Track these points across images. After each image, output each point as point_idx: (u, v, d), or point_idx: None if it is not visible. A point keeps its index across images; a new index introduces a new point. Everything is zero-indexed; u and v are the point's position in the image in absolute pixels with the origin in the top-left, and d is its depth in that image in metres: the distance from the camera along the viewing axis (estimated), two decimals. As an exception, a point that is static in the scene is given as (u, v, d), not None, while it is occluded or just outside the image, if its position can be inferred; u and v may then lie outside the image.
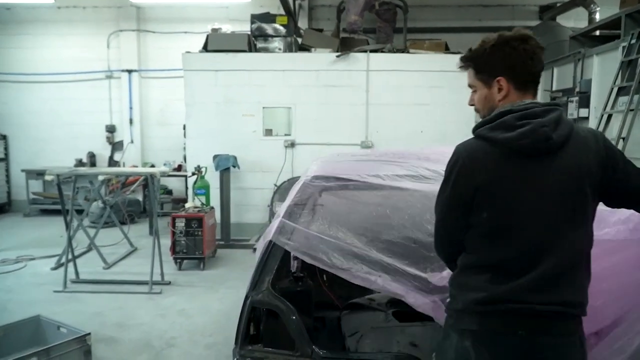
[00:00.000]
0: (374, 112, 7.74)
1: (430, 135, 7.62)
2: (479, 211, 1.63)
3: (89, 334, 3.76)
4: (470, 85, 1.80)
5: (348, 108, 7.72)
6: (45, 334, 4.01)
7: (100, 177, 6.08)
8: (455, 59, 1.88)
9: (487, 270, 1.63)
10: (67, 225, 5.72)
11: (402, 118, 7.70)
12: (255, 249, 3.36)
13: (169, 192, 9.76)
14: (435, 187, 2.49)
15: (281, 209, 2.76)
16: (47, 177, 5.52)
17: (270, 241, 2.36)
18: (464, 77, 1.84)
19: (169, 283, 5.66)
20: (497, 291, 1.60)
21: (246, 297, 2.28)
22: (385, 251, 2.26)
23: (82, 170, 6.82)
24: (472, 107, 1.82)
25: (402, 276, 2.14)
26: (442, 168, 2.65)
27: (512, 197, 1.60)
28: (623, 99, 5.79)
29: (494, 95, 1.71)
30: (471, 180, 1.63)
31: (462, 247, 1.71)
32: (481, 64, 1.73)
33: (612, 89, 5.96)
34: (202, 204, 6.79)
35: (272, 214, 7.53)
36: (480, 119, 1.75)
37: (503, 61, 1.67)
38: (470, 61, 1.76)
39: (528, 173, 1.60)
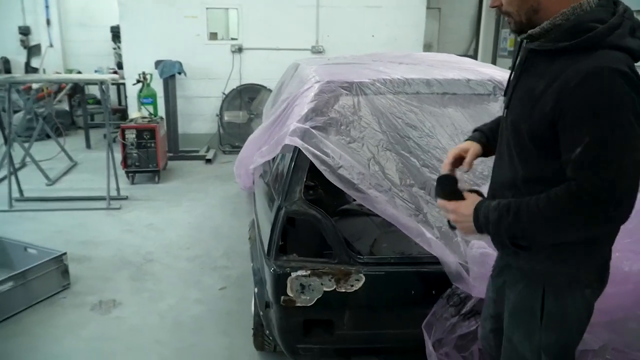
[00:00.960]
0: (324, 15, 7.45)
1: (382, 39, 7.50)
2: None
3: (65, 253, 3.57)
4: None
5: (298, 10, 7.37)
6: (10, 256, 3.76)
7: (36, 85, 5.52)
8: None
9: None
10: (6, 139, 5.23)
11: (354, 21, 7.48)
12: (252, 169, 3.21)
13: (99, 101, 9.08)
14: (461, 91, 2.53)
15: (290, 116, 2.62)
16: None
17: (296, 149, 2.25)
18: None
19: (126, 198, 5.43)
20: None
21: (279, 208, 2.20)
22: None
23: (21, 77, 6.13)
24: (491, 10, 1.54)
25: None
26: (452, 75, 2.66)
27: None
28: None
29: None
30: None
31: None
32: None
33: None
34: (150, 113, 6.41)
35: (221, 124, 7.29)
36: (513, 24, 1.40)
37: None
38: None
39: None
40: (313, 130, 2.32)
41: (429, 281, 2.20)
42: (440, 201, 1.54)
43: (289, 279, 2.12)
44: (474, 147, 1.67)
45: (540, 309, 1.46)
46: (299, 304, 2.15)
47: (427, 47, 8.29)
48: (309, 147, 2.24)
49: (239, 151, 7.04)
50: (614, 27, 1.25)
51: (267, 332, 2.47)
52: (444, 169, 1.65)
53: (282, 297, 2.14)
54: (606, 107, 1.20)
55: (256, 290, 2.48)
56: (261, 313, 2.44)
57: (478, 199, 1.48)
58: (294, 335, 2.25)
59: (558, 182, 1.29)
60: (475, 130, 1.76)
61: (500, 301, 1.65)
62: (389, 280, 2.19)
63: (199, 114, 7.50)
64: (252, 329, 2.68)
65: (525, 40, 1.42)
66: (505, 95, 1.55)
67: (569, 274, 1.44)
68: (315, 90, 2.53)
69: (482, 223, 1.42)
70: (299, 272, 2.12)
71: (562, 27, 1.29)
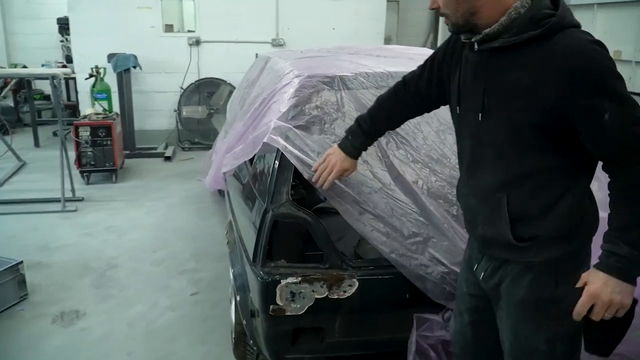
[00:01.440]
0: (284, 7, 7.29)
1: (342, 32, 7.40)
2: None
3: (21, 262, 3.32)
4: None
5: (257, 2, 7.17)
6: (-41, 266, 3.45)
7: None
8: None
9: None
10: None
11: (314, 14, 7.36)
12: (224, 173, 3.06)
13: (46, 97, 8.62)
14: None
15: (267, 114, 2.49)
16: None
17: (278, 150, 2.12)
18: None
19: (83, 199, 5.13)
20: None
21: (265, 211, 2.07)
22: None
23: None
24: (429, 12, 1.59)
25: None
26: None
27: None
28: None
29: None
30: None
31: None
32: None
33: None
34: (105, 109, 6.10)
35: (179, 120, 7.03)
36: (450, 25, 1.42)
37: None
38: None
39: None
40: (296, 130, 2.19)
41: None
42: (577, 309, 1.38)
43: (279, 286, 2.00)
44: (352, 167, 1.96)
45: (551, 298, 1.44)
46: (288, 313, 2.04)
47: (387, 40, 8.26)
48: (291, 148, 2.11)
49: (199, 148, 6.93)
50: (565, 8, 1.32)
51: (251, 341, 2.33)
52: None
53: (271, 307, 2.02)
54: (611, 74, 1.27)
55: (238, 298, 2.34)
56: (244, 322, 2.32)
57: (591, 273, 1.38)
58: (282, 345, 2.14)
59: (566, 169, 1.36)
60: (349, 135, 1.92)
61: (494, 300, 1.60)
62: (383, 284, 2.11)
63: (156, 109, 7.22)
64: (233, 338, 2.55)
65: (474, 43, 1.41)
66: (459, 103, 1.53)
67: (574, 256, 1.46)
68: (295, 85, 2.39)
69: (626, 270, 1.33)
70: (289, 280, 2.01)
71: (521, 19, 1.31)
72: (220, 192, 4.79)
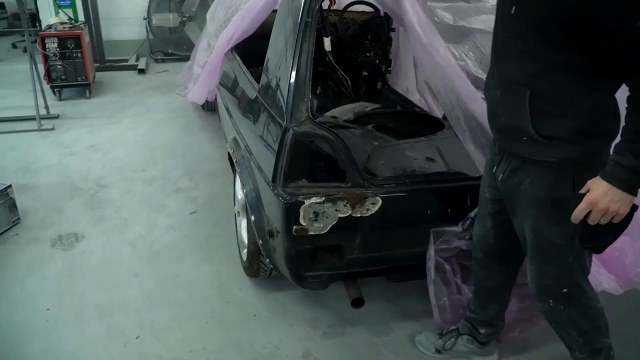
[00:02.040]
0: None
1: None
2: None
3: (10, 185, 3.16)
4: None
5: None
6: (-59, 191, 3.27)
7: None
8: None
9: None
10: None
11: None
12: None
13: (2, 5, 7.95)
14: None
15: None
16: None
17: (294, 59, 2.00)
18: None
19: (58, 116, 4.88)
20: None
21: (285, 130, 1.97)
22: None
23: None
24: None
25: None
26: None
27: None
28: None
29: None
30: None
31: None
32: None
33: None
34: (71, 18, 5.65)
35: (150, 29, 6.61)
36: None
37: None
38: None
39: None
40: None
41: (446, 198, 2.13)
42: (575, 214, 1.45)
43: (302, 207, 1.95)
44: None
45: (569, 198, 1.48)
46: (311, 233, 2.00)
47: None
48: None
49: (173, 59, 6.59)
50: None
51: (267, 260, 2.31)
52: None
53: (294, 227, 1.98)
54: None
55: (253, 218, 2.29)
56: (260, 242, 2.27)
57: (595, 181, 1.42)
58: (303, 263, 2.12)
59: (589, 69, 1.39)
60: None
61: (510, 200, 1.68)
62: (405, 201, 2.08)
63: (123, 17, 6.74)
64: (246, 257, 2.52)
65: None
66: None
67: (591, 159, 1.50)
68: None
69: (629, 180, 1.37)
70: (313, 200, 1.95)
71: None
72: (204, 107, 4.64)
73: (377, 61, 3.85)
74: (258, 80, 2.50)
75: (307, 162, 2.07)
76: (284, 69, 2.10)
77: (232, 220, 2.97)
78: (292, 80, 2.00)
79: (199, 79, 3.84)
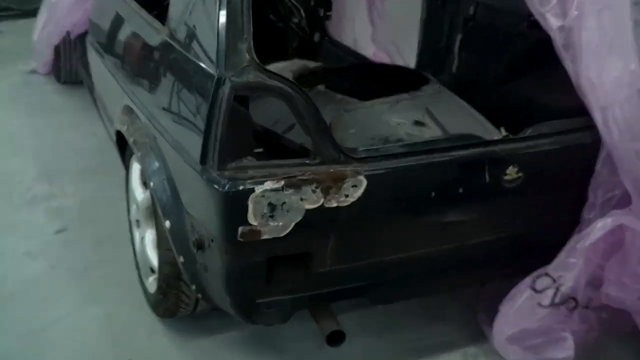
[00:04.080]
0: None
1: None
2: None
3: None
4: None
5: None
6: None
7: None
8: None
9: None
10: None
11: None
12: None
13: None
14: None
15: None
16: None
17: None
18: None
19: None
20: None
21: (218, 82, 1.76)
22: None
23: None
24: None
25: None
26: None
27: None
28: None
29: None
30: None
31: None
32: None
33: None
34: None
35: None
36: None
37: None
38: None
39: None
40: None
41: (455, 173, 2.03)
42: None
43: (252, 197, 1.75)
44: None
45: None
46: (266, 236, 1.82)
47: None
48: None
49: (10, 17, 6.21)
50: None
51: (193, 287, 2.12)
52: None
53: (240, 229, 1.78)
54: None
55: (168, 224, 2.08)
56: (181, 260, 2.09)
57: None
58: (252, 285, 1.95)
59: None
60: None
61: None
62: (400, 181, 1.96)
63: None
64: (158, 288, 2.35)
65: None
66: None
67: None
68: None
69: None
70: (267, 185, 1.77)
71: None
72: (59, 78, 4.60)
73: (312, 3, 3.82)
74: (162, 20, 2.32)
75: (252, 130, 1.90)
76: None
77: (124, 235, 2.80)
78: (224, 6, 1.82)
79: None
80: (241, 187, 1.75)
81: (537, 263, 2.23)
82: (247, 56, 1.79)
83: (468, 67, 3.21)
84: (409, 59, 3.52)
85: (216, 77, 1.78)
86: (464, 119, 2.37)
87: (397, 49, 3.56)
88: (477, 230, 2.15)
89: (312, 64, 3.29)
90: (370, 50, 3.66)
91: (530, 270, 2.23)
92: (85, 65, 3.70)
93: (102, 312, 2.56)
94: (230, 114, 1.77)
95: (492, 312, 2.30)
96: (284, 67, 3.19)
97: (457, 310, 2.55)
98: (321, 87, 2.73)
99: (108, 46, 3.04)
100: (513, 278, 2.27)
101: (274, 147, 2.09)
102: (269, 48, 3.35)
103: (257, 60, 1.80)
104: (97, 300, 2.63)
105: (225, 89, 1.76)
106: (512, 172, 2.04)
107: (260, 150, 2.16)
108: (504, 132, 2.17)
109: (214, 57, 1.83)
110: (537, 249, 2.27)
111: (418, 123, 2.36)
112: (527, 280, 2.20)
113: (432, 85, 2.63)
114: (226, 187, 1.75)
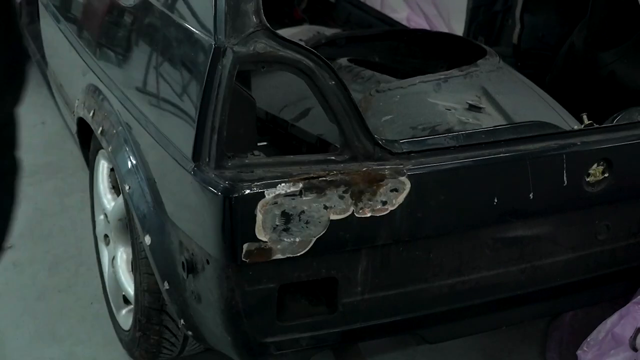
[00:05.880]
0: None
1: None
2: None
3: None
4: None
5: None
6: None
7: None
8: None
9: None
10: None
11: None
12: None
13: None
14: None
15: None
16: None
17: None
18: None
19: None
20: None
21: (217, 52, 1.77)
22: None
23: None
24: None
25: None
26: None
27: None
28: None
29: None
30: None
31: None
32: None
33: None
34: None
35: None
36: None
37: None
38: None
39: None
40: None
41: (523, 173, 2.02)
42: None
43: (261, 204, 1.76)
44: None
45: None
46: (277, 255, 1.83)
47: None
48: None
49: None
50: None
51: (182, 322, 2.16)
52: None
53: (245, 246, 1.79)
54: None
55: (148, 240, 2.11)
56: (165, 287, 2.12)
57: None
58: (260, 320, 1.96)
59: None
60: None
61: None
62: (452, 183, 1.97)
63: None
64: (134, 324, 2.39)
65: None
66: None
67: None
68: None
69: None
70: (280, 189, 1.76)
71: None
72: None
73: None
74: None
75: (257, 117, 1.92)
76: None
77: (89, 255, 2.86)
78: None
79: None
80: (247, 191, 1.75)
81: (627, 289, 2.24)
82: (255, 19, 1.79)
83: (534, 36, 3.22)
84: (454, 25, 3.53)
85: (214, 47, 1.79)
86: (531, 103, 2.38)
87: (438, 12, 3.55)
88: (551, 247, 2.15)
89: (327, 31, 3.35)
90: (403, 13, 3.66)
91: (615, 296, 2.22)
92: (35, 34, 3.71)
93: (61, 353, 2.62)
94: (233, 95, 1.78)
95: (566, 353, 2.31)
96: (292, 36, 3.22)
97: (525, 349, 2.57)
98: (343, 61, 2.76)
99: (67, 8, 3.06)
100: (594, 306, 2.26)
101: (282, 139, 2.14)
102: (268, 9, 3.45)
103: (268, 24, 1.80)
104: (56, 338, 2.68)
105: (226, 62, 1.76)
106: (596, 172, 2.05)
107: (264, 143, 2.22)
108: (586, 120, 2.16)
109: (210, 21, 1.84)
110: (626, 272, 2.29)
111: (473, 107, 2.37)
112: (621, 326, 2.14)
113: (490, 58, 2.64)
114: (227, 191, 1.75)
